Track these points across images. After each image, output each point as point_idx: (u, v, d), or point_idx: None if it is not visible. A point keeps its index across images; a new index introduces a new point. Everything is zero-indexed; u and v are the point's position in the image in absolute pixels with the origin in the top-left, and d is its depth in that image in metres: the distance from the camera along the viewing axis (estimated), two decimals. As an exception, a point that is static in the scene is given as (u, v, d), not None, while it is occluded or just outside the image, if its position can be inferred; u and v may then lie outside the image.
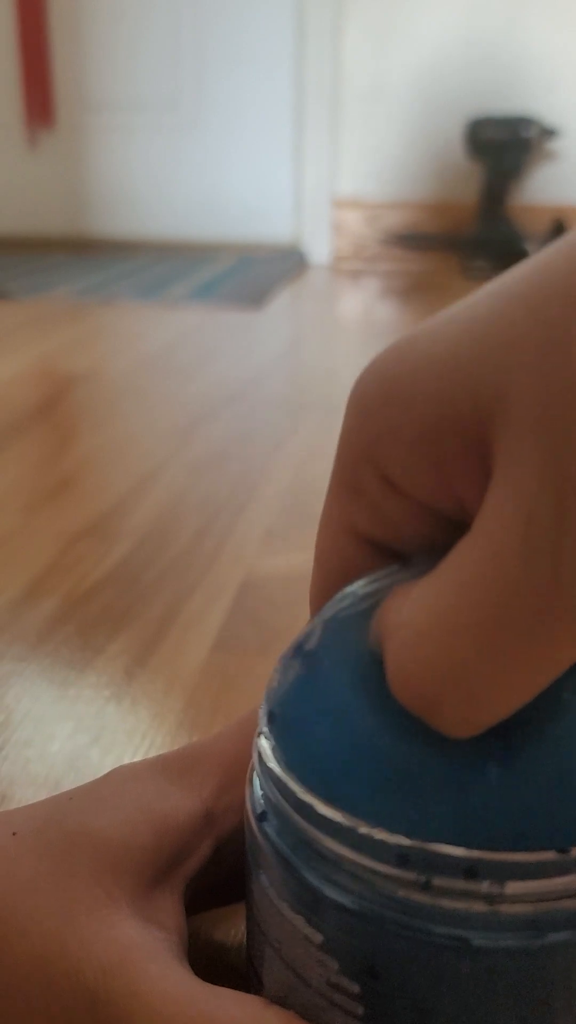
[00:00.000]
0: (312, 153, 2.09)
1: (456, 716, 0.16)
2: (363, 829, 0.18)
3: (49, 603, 0.51)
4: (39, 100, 2.18)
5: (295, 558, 0.58)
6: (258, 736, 0.21)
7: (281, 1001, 0.21)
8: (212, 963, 0.26)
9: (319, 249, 2.13)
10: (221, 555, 0.58)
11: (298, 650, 0.20)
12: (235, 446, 0.80)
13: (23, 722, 0.41)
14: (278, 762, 0.20)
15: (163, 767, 0.27)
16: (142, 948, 0.21)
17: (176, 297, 1.52)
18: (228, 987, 0.21)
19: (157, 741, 0.40)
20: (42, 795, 0.36)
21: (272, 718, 0.20)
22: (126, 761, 0.28)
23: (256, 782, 0.21)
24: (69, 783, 0.37)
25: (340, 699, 0.19)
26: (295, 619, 0.50)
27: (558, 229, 1.89)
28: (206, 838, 0.26)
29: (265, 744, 0.20)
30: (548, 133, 1.89)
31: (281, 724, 0.20)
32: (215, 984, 0.21)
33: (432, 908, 0.17)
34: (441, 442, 0.17)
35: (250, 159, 2.18)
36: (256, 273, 1.80)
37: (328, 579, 0.21)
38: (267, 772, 0.20)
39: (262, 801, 0.21)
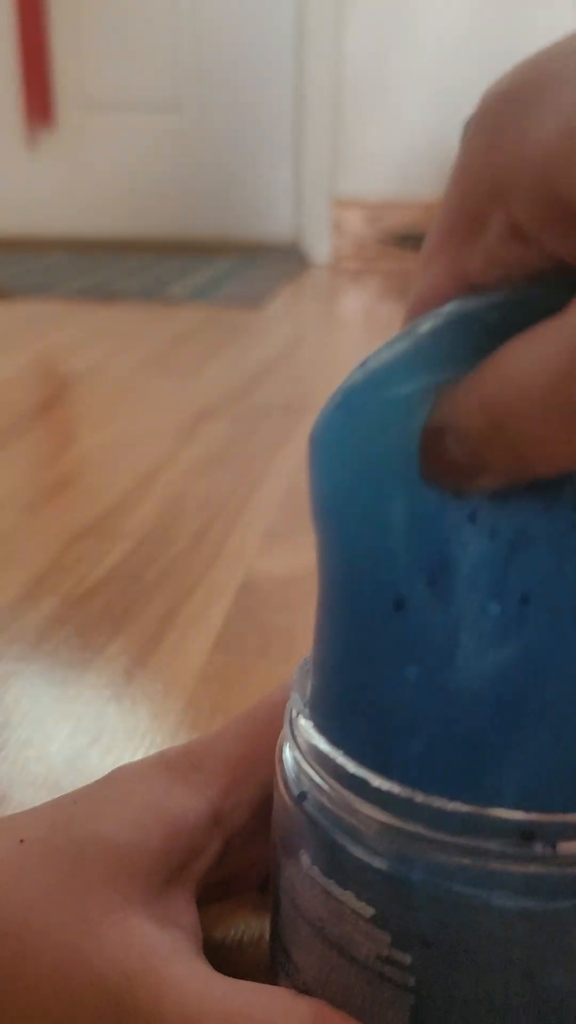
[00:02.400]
0: (312, 152, 2.09)
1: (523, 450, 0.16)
2: (420, 799, 0.18)
3: (49, 603, 0.51)
4: (39, 99, 2.18)
5: (295, 558, 0.58)
6: (296, 715, 0.21)
7: (321, 982, 0.21)
8: (217, 963, 0.26)
9: (319, 249, 2.13)
10: (221, 555, 0.58)
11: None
12: (235, 446, 0.80)
13: (22, 723, 0.41)
14: (323, 737, 0.19)
15: (167, 766, 0.27)
16: (163, 951, 0.21)
17: (176, 297, 1.52)
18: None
19: (157, 741, 0.40)
20: (42, 796, 0.36)
21: None
22: (126, 762, 0.28)
23: (289, 762, 0.21)
24: (69, 784, 0.37)
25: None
26: (295, 619, 0.50)
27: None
28: (215, 837, 0.25)
29: (305, 723, 0.20)
30: (548, 133, 1.88)
31: None
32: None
33: (488, 873, 0.18)
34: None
35: (250, 158, 2.17)
36: (256, 273, 1.80)
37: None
38: (310, 749, 0.20)
39: (299, 780, 0.21)
